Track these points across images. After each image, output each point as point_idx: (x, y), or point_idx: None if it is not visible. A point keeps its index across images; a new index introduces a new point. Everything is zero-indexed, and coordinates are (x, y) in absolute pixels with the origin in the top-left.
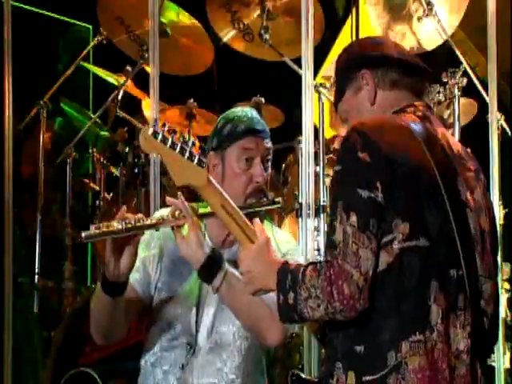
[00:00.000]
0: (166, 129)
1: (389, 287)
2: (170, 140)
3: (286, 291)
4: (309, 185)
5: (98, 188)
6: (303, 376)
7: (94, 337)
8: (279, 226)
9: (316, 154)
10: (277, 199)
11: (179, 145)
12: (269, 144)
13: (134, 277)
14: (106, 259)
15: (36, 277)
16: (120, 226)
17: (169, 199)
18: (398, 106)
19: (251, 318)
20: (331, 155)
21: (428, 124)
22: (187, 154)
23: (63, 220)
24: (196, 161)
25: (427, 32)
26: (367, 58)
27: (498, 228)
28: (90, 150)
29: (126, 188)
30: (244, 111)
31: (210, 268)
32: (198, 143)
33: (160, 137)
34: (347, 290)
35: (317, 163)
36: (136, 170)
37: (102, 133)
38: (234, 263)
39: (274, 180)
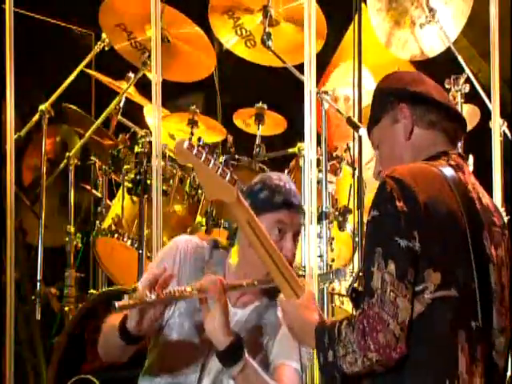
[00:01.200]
0: (201, 143)
1: (419, 337)
2: (203, 155)
3: (325, 350)
4: (311, 191)
5: (99, 195)
6: None
7: (100, 353)
8: None
9: (318, 161)
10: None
11: (212, 161)
12: (301, 219)
13: None
14: (129, 315)
15: (38, 284)
16: (153, 298)
17: (208, 276)
18: (432, 150)
19: None
20: (334, 162)
21: (461, 174)
22: (220, 171)
23: (65, 227)
24: (228, 177)
25: (430, 39)
26: (409, 93)
27: None
28: (92, 157)
29: (128, 195)
30: (283, 181)
31: (232, 355)
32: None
33: (195, 151)
34: (383, 340)
35: (319, 170)
36: (138, 177)
37: (104, 139)
38: (245, 324)
39: None
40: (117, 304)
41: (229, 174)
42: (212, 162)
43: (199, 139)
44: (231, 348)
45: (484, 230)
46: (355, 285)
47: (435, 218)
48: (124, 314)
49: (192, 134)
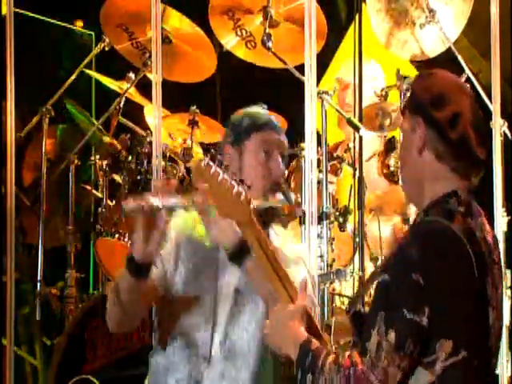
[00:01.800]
0: (218, 163)
1: None
2: (221, 174)
3: (305, 370)
4: (312, 192)
5: (100, 195)
6: None
7: (108, 324)
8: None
9: (319, 161)
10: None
11: (229, 180)
12: (286, 140)
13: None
14: (133, 237)
15: (38, 284)
16: (157, 203)
17: (200, 185)
18: (444, 185)
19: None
20: (334, 162)
21: (469, 220)
22: (235, 190)
23: (66, 227)
24: (242, 197)
25: (430, 39)
26: (428, 114)
27: (501, 236)
28: (93, 157)
29: (129, 195)
30: (260, 108)
31: (244, 250)
32: (247, 182)
33: (212, 170)
34: None
35: (320, 170)
36: (138, 177)
37: (105, 140)
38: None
39: None
40: (125, 206)
41: (243, 194)
42: (228, 181)
43: (219, 162)
44: (242, 243)
45: (488, 276)
46: (358, 307)
47: (451, 287)
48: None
49: (192, 134)
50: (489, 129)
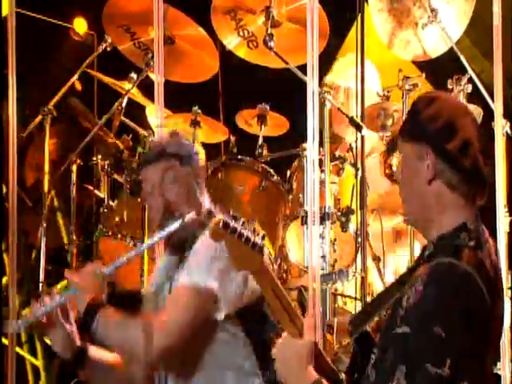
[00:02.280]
0: (233, 219)
1: None
2: (238, 230)
3: None
4: (314, 192)
5: (102, 195)
6: None
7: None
8: (284, 232)
9: (321, 161)
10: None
11: (245, 235)
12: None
13: None
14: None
15: (40, 285)
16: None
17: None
18: (454, 218)
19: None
20: (336, 162)
21: (479, 253)
22: (251, 243)
23: (68, 227)
24: (257, 248)
25: (432, 39)
26: (439, 145)
27: (504, 236)
28: (95, 158)
29: (131, 195)
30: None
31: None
32: (258, 229)
33: (230, 229)
34: None
35: (322, 170)
36: (140, 178)
37: (107, 140)
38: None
39: (279, 187)
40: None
41: (258, 245)
42: (245, 236)
43: (236, 218)
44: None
45: (498, 298)
46: (368, 328)
47: (471, 335)
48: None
49: (194, 134)
50: (490, 141)
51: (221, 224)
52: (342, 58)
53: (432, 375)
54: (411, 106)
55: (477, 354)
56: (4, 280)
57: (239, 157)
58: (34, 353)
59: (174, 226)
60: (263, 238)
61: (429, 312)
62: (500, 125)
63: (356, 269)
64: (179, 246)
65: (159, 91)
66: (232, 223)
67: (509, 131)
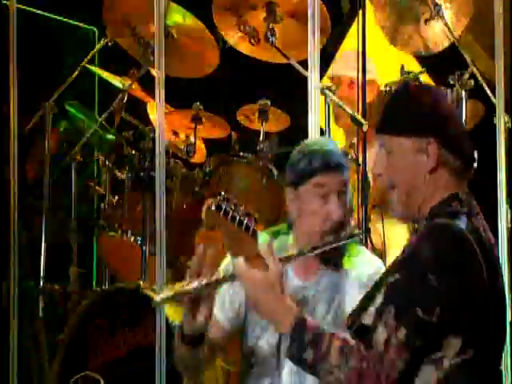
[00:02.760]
0: (226, 201)
1: None
2: (230, 213)
3: (304, 344)
4: None
5: (103, 191)
6: None
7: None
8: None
9: None
10: (355, 232)
11: (238, 217)
12: (345, 176)
13: (222, 314)
14: (183, 313)
15: (41, 281)
16: (195, 285)
17: (262, 250)
18: (444, 192)
19: None
20: None
21: (474, 220)
22: (244, 226)
23: (68, 223)
24: (251, 232)
25: (434, 34)
26: (445, 133)
27: (506, 232)
28: (96, 153)
29: (132, 191)
30: (319, 144)
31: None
32: (252, 212)
33: (222, 211)
34: None
35: None
36: (142, 174)
37: (108, 136)
38: (320, 294)
39: (280, 184)
40: (158, 297)
41: (251, 229)
42: (237, 218)
43: (228, 199)
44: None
45: (499, 274)
46: (362, 321)
47: (462, 288)
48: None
49: (195, 130)
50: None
51: (213, 206)
52: (341, 52)
53: (420, 319)
54: (393, 100)
55: (471, 317)
56: None
57: (241, 153)
58: (36, 350)
59: None
60: (255, 221)
61: (423, 261)
62: (502, 121)
63: None
64: None
65: (160, 87)
66: (225, 205)
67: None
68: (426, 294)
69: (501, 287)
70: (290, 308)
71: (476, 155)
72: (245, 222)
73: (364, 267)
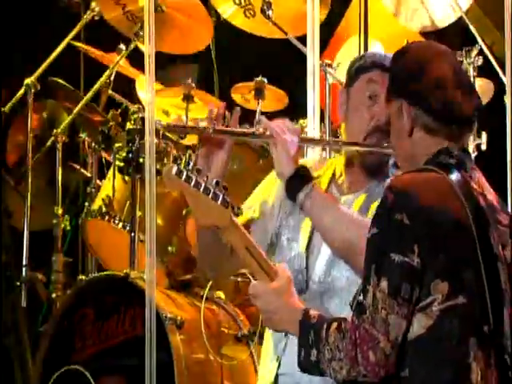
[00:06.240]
0: (190, 167)
1: (429, 351)
2: (193, 179)
3: (309, 347)
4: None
5: (89, 174)
6: None
7: (205, 271)
8: None
9: None
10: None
11: (203, 184)
12: None
13: (252, 216)
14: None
15: (24, 269)
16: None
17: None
18: (432, 149)
19: (338, 241)
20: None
21: (464, 173)
22: (211, 194)
23: (53, 209)
24: (220, 200)
25: (441, 8)
26: (408, 91)
27: None
28: (81, 134)
29: (119, 174)
30: (375, 51)
31: (296, 182)
32: (221, 182)
33: (184, 176)
34: (373, 357)
35: (323, 149)
36: (130, 155)
37: (93, 116)
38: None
39: None
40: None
41: (221, 197)
42: (203, 185)
43: (188, 163)
44: (296, 174)
45: (490, 228)
46: (360, 298)
47: (440, 227)
48: None
49: (187, 109)
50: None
51: (173, 170)
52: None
53: (399, 264)
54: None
55: (456, 259)
56: None
57: None
58: (18, 341)
59: None
60: (225, 189)
61: (390, 202)
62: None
63: None
64: None
65: (150, 63)
66: (185, 171)
67: None
68: (399, 234)
69: (490, 241)
70: (297, 312)
71: (469, 111)
72: (211, 189)
73: None
